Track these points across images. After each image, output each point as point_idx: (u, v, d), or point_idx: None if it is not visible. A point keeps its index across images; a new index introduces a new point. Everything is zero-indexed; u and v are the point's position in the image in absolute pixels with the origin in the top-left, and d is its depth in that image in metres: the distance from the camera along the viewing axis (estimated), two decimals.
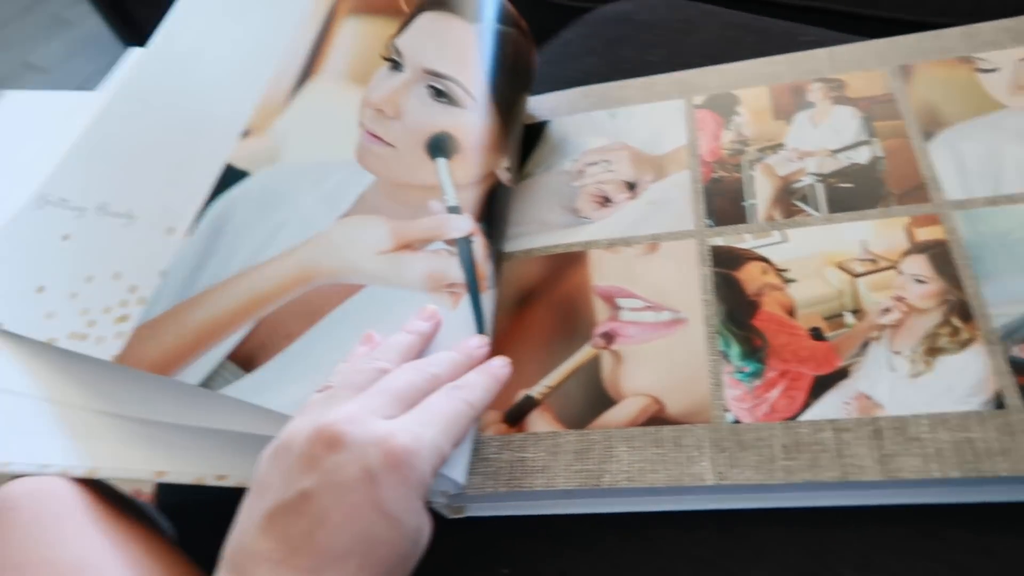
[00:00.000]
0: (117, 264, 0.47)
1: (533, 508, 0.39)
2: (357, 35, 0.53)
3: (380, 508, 0.31)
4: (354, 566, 0.30)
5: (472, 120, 0.47)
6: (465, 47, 0.48)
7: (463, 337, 0.41)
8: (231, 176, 0.49)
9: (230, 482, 0.39)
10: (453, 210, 0.44)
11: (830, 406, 0.36)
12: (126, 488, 0.40)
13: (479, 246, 0.44)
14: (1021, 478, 0.32)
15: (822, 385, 0.37)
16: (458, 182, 0.45)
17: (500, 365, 0.40)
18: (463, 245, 0.43)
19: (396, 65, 0.49)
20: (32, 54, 2.15)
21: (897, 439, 0.34)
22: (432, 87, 0.47)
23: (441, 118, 0.47)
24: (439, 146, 0.46)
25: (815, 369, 0.37)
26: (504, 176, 0.47)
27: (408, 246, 0.44)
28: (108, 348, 0.44)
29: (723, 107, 0.51)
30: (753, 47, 0.59)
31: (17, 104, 0.63)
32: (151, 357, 0.42)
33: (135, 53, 0.64)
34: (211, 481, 0.39)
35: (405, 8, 0.51)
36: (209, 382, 0.41)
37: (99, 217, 0.49)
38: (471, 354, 0.40)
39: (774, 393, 0.37)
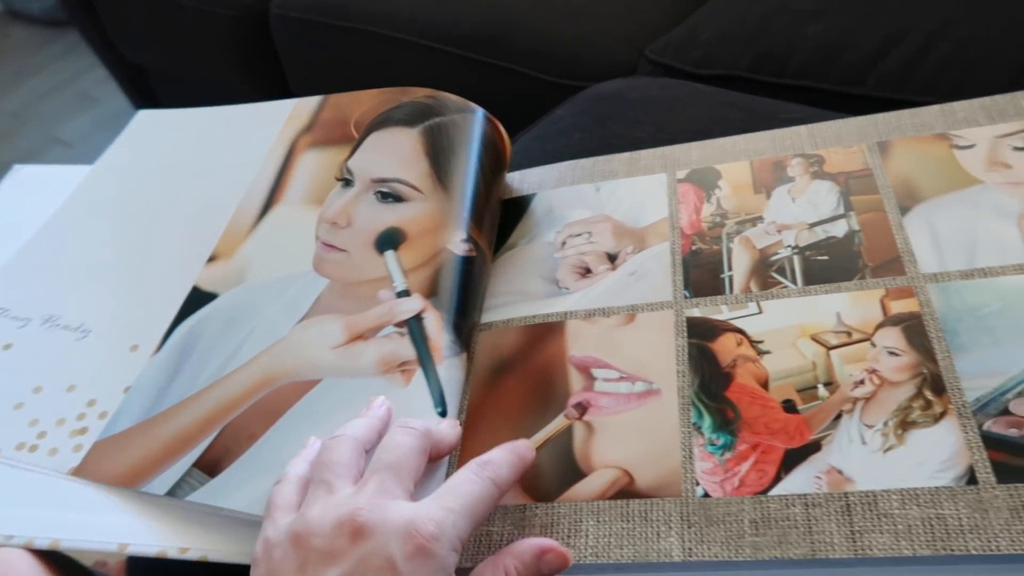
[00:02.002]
0: (71, 377, 0.49)
1: None
2: (315, 164, 0.57)
3: None
4: None
5: (418, 209, 0.50)
6: (407, 149, 0.53)
7: (420, 410, 0.42)
8: (199, 298, 0.52)
9: (192, 555, 0.38)
10: (402, 294, 0.47)
11: (801, 480, 0.35)
12: (90, 560, 0.40)
13: (431, 321, 0.45)
14: (992, 557, 0.31)
15: (793, 458, 0.36)
16: (409, 266, 0.48)
17: (527, 447, 0.39)
18: (412, 324, 0.45)
19: (348, 183, 0.53)
20: (60, 129, 2.23)
21: (867, 515, 0.33)
22: (379, 192, 0.51)
23: (387, 215, 0.50)
24: (386, 240, 0.49)
25: (786, 442, 0.37)
26: (461, 248, 0.48)
27: (361, 336, 0.46)
28: (64, 460, 0.44)
29: (705, 181, 0.52)
30: (738, 124, 0.60)
31: (28, 178, 0.65)
32: (116, 470, 0.43)
33: (145, 115, 0.67)
34: (174, 554, 0.38)
35: (355, 134, 0.56)
36: (175, 490, 0.42)
37: (47, 329, 0.51)
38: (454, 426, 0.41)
39: (745, 467, 0.36)
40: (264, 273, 0.52)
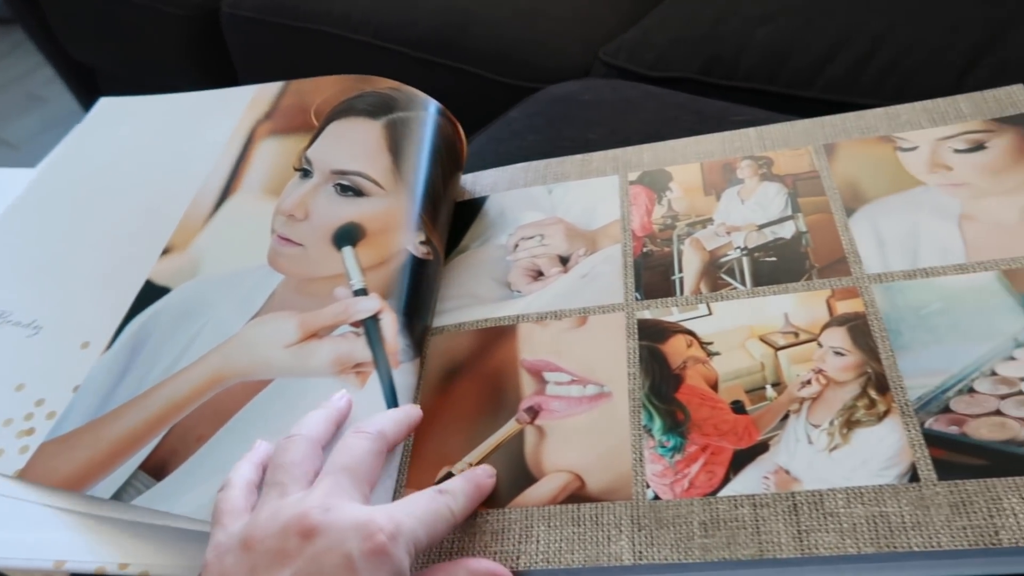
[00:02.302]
0: (20, 375, 0.47)
1: None
2: (273, 153, 0.56)
3: None
4: None
5: (378, 205, 0.49)
6: (370, 141, 0.51)
7: (373, 414, 0.41)
8: (152, 293, 0.50)
9: (132, 571, 0.37)
10: (359, 293, 0.46)
11: (749, 481, 0.35)
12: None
13: (388, 323, 0.44)
14: (933, 553, 0.31)
15: (742, 459, 0.36)
16: (366, 264, 0.47)
17: (486, 475, 0.38)
18: (369, 324, 0.44)
19: (306, 173, 0.52)
20: (5, 130, 2.16)
21: (814, 514, 0.33)
22: (338, 184, 0.50)
23: (346, 210, 0.49)
24: (344, 236, 0.48)
25: (735, 443, 0.37)
26: (419, 250, 0.48)
27: (315, 335, 0.44)
28: (10, 462, 0.43)
29: (656, 183, 0.52)
30: (689, 126, 0.60)
31: None
32: (62, 473, 0.42)
33: (106, 103, 0.65)
34: (113, 570, 0.37)
35: (316, 123, 0.54)
36: (120, 493, 0.41)
37: None
38: (409, 414, 0.41)
39: (694, 468, 0.37)
40: (218, 267, 0.51)
